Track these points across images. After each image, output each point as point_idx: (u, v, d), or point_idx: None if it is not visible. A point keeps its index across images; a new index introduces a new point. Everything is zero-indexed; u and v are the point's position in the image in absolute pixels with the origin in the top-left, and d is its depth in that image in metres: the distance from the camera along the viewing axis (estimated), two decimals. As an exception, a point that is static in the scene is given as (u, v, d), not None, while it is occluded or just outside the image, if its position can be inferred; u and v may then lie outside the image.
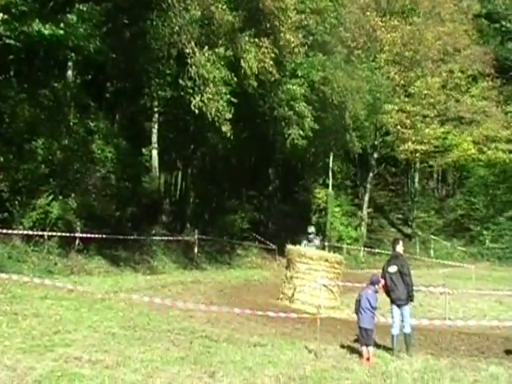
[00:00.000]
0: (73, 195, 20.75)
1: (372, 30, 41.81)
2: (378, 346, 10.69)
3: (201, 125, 28.13)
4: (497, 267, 35.80)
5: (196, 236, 27.26)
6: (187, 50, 21.69)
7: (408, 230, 47.61)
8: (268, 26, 25.13)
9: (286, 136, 28.74)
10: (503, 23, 53.84)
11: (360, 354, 9.90)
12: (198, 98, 21.35)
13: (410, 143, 42.32)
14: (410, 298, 10.66)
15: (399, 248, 11.06)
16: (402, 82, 42.54)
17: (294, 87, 28.47)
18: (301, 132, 28.45)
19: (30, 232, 18.77)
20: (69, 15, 18.74)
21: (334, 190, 41.25)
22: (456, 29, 45.63)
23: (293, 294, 17.78)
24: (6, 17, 16.64)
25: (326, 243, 33.10)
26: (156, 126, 30.86)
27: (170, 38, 22.60)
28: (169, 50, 25.67)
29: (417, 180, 50.01)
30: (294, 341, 11.41)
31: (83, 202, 20.93)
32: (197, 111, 21.55)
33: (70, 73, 23.25)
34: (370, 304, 9.96)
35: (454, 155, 44.33)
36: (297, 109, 28.36)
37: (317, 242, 19.67)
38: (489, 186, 44.80)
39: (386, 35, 41.66)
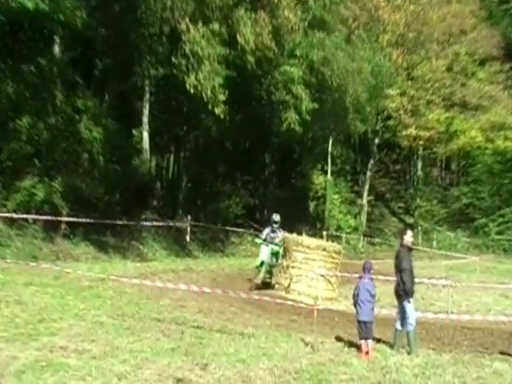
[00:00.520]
0: (59, 177, 20.67)
1: (374, 9, 41.50)
2: (377, 339, 10.69)
3: (194, 106, 27.99)
4: (502, 259, 35.83)
5: (188, 222, 27.25)
6: (181, 26, 21.51)
7: (410, 220, 47.65)
8: (265, 1, 24.94)
9: (283, 120, 28.66)
10: (512, 4, 53.64)
11: (358, 348, 9.90)
12: (192, 77, 21.21)
13: (412, 129, 42.29)
14: (406, 294, 10.28)
15: (406, 238, 10.56)
16: (405, 64, 42.40)
17: (292, 69, 28.36)
18: (297, 116, 28.38)
19: (14, 215, 18.71)
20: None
21: (332, 176, 41.25)
22: (462, 9, 45.35)
23: (289, 285, 17.78)
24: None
25: (324, 232, 33.13)
26: (147, 106, 30.63)
27: (163, 13, 22.44)
28: (161, 26, 25.49)
29: (419, 167, 49.96)
30: (289, 333, 11.42)
31: (70, 185, 20.83)
32: (192, 91, 21.41)
33: (56, 48, 22.99)
34: (370, 293, 9.96)
35: (459, 142, 44.27)
36: (294, 92, 28.26)
37: (279, 235, 18.69)
38: (495, 174, 44.69)
39: (389, 15, 41.43)
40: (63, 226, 20.39)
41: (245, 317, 13.26)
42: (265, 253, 18.26)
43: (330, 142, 39.74)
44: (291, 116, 28.38)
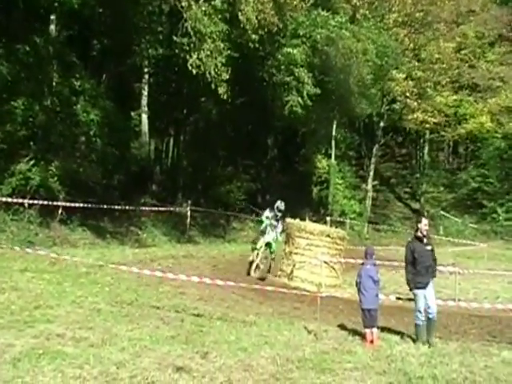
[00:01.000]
0: (55, 161, 20.60)
1: (380, -13, 41.25)
2: (382, 328, 10.69)
3: (195, 88, 27.88)
4: (511, 246, 35.82)
5: (188, 207, 27.21)
6: (181, 4, 21.34)
7: (416, 205, 47.66)
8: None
9: (284, 103, 28.57)
10: (524, -18, 53.09)
11: (363, 336, 9.90)
12: (194, 56, 21.08)
13: (419, 113, 42.14)
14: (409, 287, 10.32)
15: (421, 227, 10.38)
16: (412, 45, 42.16)
17: (294, 51, 28.22)
18: (300, 99, 28.28)
19: (9, 199, 18.65)
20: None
21: (336, 160, 41.17)
22: (471, -12, 45.09)
23: (292, 271, 17.81)
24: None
25: (328, 218, 33.13)
26: (146, 88, 30.58)
27: (162, -10, 22.28)
28: (160, 5, 25.32)
29: (426, 151, 49.85)
30: (292, 321, 11.43)
31: (66, 168, 20.78)
32: (194, 71, 21.29)
33: (52, 27, 22.84)
34: (373, 279, 9.94)
35: (468, 126, 44.11)
36: (296, 74, 28.14)
37: (280, 227, 18.25)
38: (504, 159, 44.55)
39: (396, -6, 41.13)
40: (60, 210, 20.34)
41: (246, 304, 13.28)
42: (271, 235, 17.88)
43: (334, 125, 39.63)
44: (293, 99, 28.32)
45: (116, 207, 22.95)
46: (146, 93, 30.51)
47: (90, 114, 22.14)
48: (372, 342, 9.62)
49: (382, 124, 43.78)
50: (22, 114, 19.86)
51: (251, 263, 17.70)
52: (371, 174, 44.02)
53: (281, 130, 37.68)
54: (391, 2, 41.29)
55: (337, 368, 7.93)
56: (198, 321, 10.42)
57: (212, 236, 28.22)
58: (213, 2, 21.72)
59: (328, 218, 32.84)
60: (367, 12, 38.42)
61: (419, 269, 10.17)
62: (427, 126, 43.97)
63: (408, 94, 41.17)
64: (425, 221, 10.60)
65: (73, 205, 20.40)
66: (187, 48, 21.90)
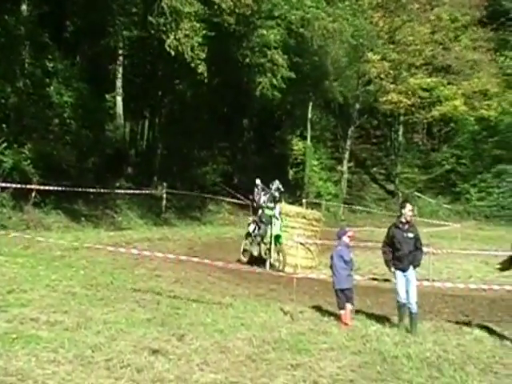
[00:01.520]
0: (28, 143, 20.32)
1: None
2: (357, 309, 10.74)
3: (170, 69, 27.63)
4: (483, 226, 36.24)
5: (164, 190, 27.09)
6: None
7: (391, 187, 47.96)
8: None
9: (257, 84, 28.49)
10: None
11: (338, 317, 9.93)
12: (172, 37, 20.87)
13: (394, 94, 42.25)
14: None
15: (405, 212, 9.98)
16: (387, 27, 42.23)
17: (269, 32, 28.08)
18: (273, 81, 28.20)
19: (-19, 183, 18.40)
20: None
21: (312, 142, 41.24)
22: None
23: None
24: None
25: (304, 199, 33.23)
26: (121, 70, 30.21)
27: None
28: (134, -15, 24.94)
29: (401, 133, 50.05)
30: (268, 302, 11.44)
31: (40, 151, 20.51)
32: (172, 52, 21.09)
33: (24, 7, 22.38)
34: (343, 259, 9.93)
35: (442, 109, 44.40)
36: (271, 56, 28.04)
37: (278, 209, 17.64)
38: (477, 140, 44.97)
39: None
40: (33, 194, 20.08)
41: (222, 286, 13.28)
42: (278, 225, 17.29)
43: (310, 107, 39.62)
44: (265, 81, 28.25)
45: (91, 190, 22.73)
46: (120, 75, 30.15)
47: (64, 96, 21.88)
48: (347, 322, 9.63)
49: (357, 106, 43.83)
50: (-7, 97, 19.56)
51: (258, 257, 17.26)
52: (347, 155, 44.15)
53: (256, 112, 37.59)
54: (366, -17, 41.26)
55: (312, 348, 7.96)
56: (174, 303, 10.39)
57: (188, 218, 28.11)
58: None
59: (304, 200, 32.94)
60: (342, -7, 38.34)
61: (397, 255, 9.91)
62: (401, 107, 44.07)
63: (383, 76, 41.24)
64: (409, 206, 10.15)
65: (47, 188, 20.17)
66: (164, 28, 21.67)
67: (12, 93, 20.36)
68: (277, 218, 17.34)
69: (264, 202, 17.91)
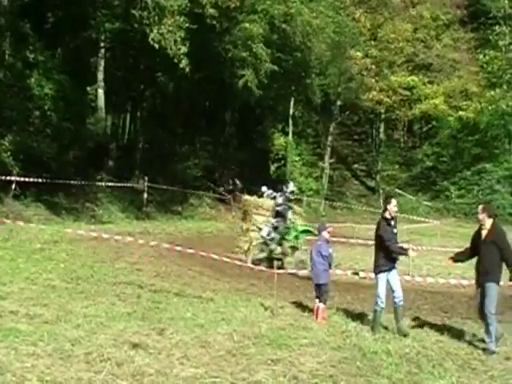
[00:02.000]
0: (8, 135, 20.16)
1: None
2: (338, 305, 10.79)
3: (152, 63, 27.47)
4: (463, 223, 36.43)
5: (145, 183, 26.96)
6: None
7: (372, 183, 48.18)
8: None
9: (239, 77, 28.46)
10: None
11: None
12: (155, 31, 20.79)
13: (375, 92, 42.44)
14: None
15: (390, 208, 9.78)
16: (369, 24, 42.36)
17: (252, 26, 28.03)
18: (255, 76, 28.19)
19: (-40, 175, 18.21)
20: None
21: (294, 138, 41.30)
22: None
23: (249, 248, 17.78)
24: None
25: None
26: (102, 63, 29.96)
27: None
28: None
29: (382, 130, 50.30)
30: (249, 297, 11.45)
31: (20, 143, 20.35)
32: (156, 45, 21.00)
33: (4, -3, 22.20)
34: (321, 254, 9.96)
35: (422, 107, 44.62)
36: (253, 50, 28.01)
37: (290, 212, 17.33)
38: (458, 138, 45.27)
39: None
40: (13, 186, 19.93)
41: (203, 281, 13.25)
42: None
43: (292, 102, 39.64)
44: (248, 74, 28.20)
45: (71, 183, 22.60)
46: (102, 67, 29.90)
47: (45, 88, 21.66)
48: (324, 318, 9.62)
49: (338, 102, 43.96)
50: (-27, 88, 19.34)
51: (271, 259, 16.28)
52: (328, 151, 44.26)
53: (238, 107, 37.50)
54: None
55: (293, 344, 7.97)
56: (154, 297, 10.36)
57: (169, 212, 28.03)
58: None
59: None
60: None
61: (387, 254, 9.70)
62: (383, 105, 44.29)
63: (365, 73, 41.39)
64: (394, 202, 9.99)
65: (27, 180, 20.01)
66: (146, 22, 21.56)
67: (-8, 84, 20.17)
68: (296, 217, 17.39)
69: (281, 205, 17.08)
